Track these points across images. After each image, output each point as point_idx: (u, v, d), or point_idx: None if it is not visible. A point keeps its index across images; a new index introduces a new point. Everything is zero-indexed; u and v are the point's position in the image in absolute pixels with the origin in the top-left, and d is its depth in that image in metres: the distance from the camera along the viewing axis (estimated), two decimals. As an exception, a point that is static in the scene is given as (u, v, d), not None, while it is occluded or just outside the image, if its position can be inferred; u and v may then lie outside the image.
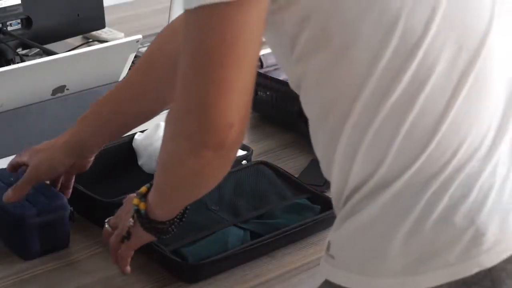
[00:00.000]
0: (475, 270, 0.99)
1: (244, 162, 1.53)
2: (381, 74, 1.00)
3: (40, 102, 1.67)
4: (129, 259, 1.28)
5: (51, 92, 1.68)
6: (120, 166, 1.56)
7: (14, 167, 1.43)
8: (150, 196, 1.19)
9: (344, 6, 0.98)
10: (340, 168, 1.06)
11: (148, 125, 1.73)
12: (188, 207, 1.22)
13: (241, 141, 1.00)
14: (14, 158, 1.44)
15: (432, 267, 1.00)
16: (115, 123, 1.37)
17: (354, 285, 1.04)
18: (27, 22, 1.94)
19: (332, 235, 1.08)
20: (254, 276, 1.32)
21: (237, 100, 0.95)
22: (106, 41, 2.02)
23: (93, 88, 1.71)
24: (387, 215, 1.02)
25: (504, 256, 0.99)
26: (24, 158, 1.41)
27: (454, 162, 1.01)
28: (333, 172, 1.07)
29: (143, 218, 1.21)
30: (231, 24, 0.93)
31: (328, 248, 1.07)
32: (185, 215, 1.23)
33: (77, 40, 2.13)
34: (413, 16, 0.98)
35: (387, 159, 1.02)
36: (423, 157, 1.01)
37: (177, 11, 1.91)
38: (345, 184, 1.06)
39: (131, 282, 1.31)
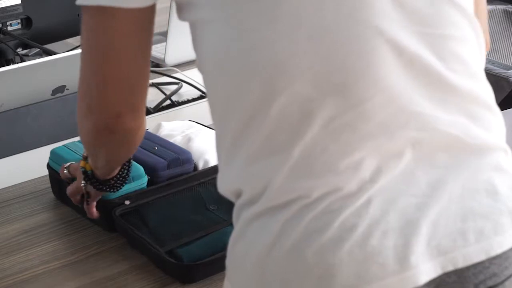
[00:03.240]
0: None
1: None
2: (225, 90, 0.98)
3: (40, 102, 1.67)
4: (94, 208, 1.41)
5: (51, 92, 1.68)
6: None
7: None
8: (88, 160, 1.33)
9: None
10: (220, 169, 1.04)
11: (149, 124, 1.73)
12: (130, 166, 1.36)
13: (138, 126, 1.10)
14: None
15: None
16: None
17: None
18: (27, 22, 1.94)
19: None
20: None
21: (122, 94, 1.05)
22: (106, 41, 2.02)
23: (93, 88, 1.72)
24: (250, 233, 0.98)
25: None
26: None
27: (309, 196, 0.94)
28: None
29: (91, 178, 1.34)
30: (109, 27, 1.01)
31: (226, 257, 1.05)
32: (129, 171, 1.36)
33: (77, 40, 2.13)
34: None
35: (243, 176, 0.98)
36: (275, 184, 0.95)
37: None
38: (225, 187, 1.03)
39: (131, 282, 1.32)
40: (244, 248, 0.98)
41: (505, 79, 1.72)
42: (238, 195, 1.00)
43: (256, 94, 0.95)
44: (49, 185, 1.54)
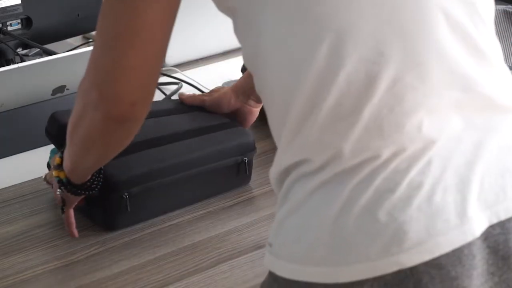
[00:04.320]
0: (394, 268, 0.96)
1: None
2: (290, 63, 1.01)
3: (40, 102, 1.67)
4: (73, 221, 1.40)
5: (51, 92, 1.68)
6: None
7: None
8: (65, 165, 1.31)
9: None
10: (280, 147, 1.07)
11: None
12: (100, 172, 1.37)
13: (144, 116, 1.10)
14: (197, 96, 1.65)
15: (353, 260, 0.97)
16: None
17: (283, 273, 1.01)
18: (27, 22, 1.94)
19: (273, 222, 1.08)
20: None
21: (140, 82, 1.06)
22: (106, 41, 2.02)
23: (93, 88, 1.71)
24: (312, 202, 1.01)
25: (427, 258, 0.96)
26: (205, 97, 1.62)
27: (380, 157, 0.99)
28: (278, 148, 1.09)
29: (67, 185, 1.34)
30: (139, 13, 1.02)
31: (270, 236, 1.07)
32: (102, 170, 1.37)
33: (77, 40, 2.13)
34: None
35: (311, 146, 1.01)
36: (346, 148, 0.99)
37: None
38: (280, 163, 1.06)
39: (131, 282, 1.32)
40: (303, 219, 1.01)
41: (505, 79, 1.72)
42: (297, 166, 1.03)
43: (322, 64, 0.99)
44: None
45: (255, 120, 1.68)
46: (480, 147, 1.02)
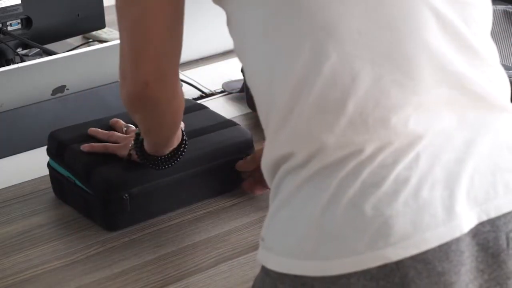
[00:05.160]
0: (379, 262, 0.97)
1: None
2: (277, 54, 1.03)
3: (40, 102, 1.67)
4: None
5: (51, 92, 1.68)
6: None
7: None
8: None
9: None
10: (267, 136, 1.07)
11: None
12: (181, 152, 1.40)
13: (164, 95, 1.17)
14: None
15: (341, 253, 0.98)
16: None
17: (274, 267, 1.02)
18: (27, 22, 1.94)
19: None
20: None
21: (151, 64, 1.12)
22: (106, 41, 2.02)
23: (93, 88, 1.72)
24: (302, 196, 1.02)
25: (413, 252, 0.97)
26: None
27: (364, 151, 0.99)
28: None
29: (139, 145, 1.37)
30: (141, 2, 1.09)
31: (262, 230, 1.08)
32: (175, 159, 1.40)
33: (77, 40, 2.13)
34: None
35: (297, 138, 1.02)
36: (331, 141, 1.00)
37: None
38: (270, 154, 1.07)
39: (131, 282, 1.32)
40: (292, 213, 1.02)
41: (505, 79, 1.72)
42: (285, 160, 1.03)
43: (307, 57, 1.00)
44: (50, 185, 1.54)
45: (256, 121, 1.68)
46: (471, 145, 1.03)
